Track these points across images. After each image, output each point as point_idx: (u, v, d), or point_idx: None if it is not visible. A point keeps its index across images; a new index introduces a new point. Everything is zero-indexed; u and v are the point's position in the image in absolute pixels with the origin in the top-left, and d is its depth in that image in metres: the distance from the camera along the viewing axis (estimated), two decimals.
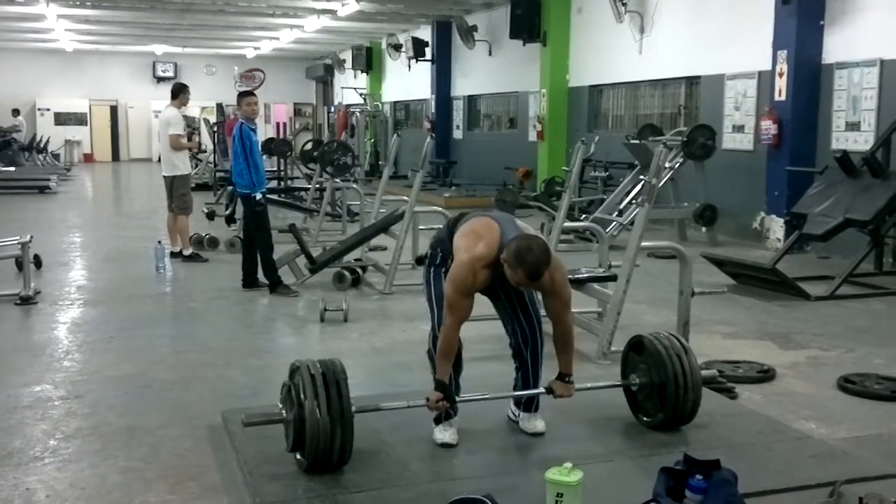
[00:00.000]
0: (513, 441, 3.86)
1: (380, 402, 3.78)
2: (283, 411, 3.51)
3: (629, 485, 3.37)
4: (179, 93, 9.26)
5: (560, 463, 3.16)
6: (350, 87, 24.60)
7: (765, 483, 3.37)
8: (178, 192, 9.08)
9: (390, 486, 3.38)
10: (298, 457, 3.47)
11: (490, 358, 5.04)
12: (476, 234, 3.57)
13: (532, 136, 15.64)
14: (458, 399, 3.67)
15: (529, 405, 3.91)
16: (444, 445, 3.72)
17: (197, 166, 19.91)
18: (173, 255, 9.09)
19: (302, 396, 3.35)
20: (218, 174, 16.40)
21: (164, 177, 9.21)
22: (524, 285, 3.46)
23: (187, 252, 9.09)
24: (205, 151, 18.07)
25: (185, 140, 9.28)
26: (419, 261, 3.93)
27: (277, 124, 27.73)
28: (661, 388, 3.85)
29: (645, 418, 3.98)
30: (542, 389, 3.78)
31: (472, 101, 19.16)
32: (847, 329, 6.28)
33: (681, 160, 10.32)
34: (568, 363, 3.74)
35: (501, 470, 3.61)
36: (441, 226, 4.26)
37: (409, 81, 21.65)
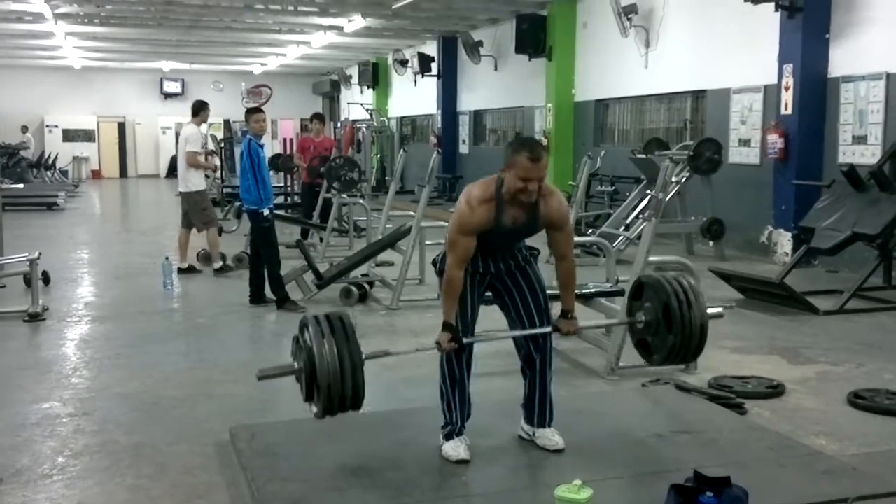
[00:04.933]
0: (522, 458, 3.84)
1: (389, 348, 3.90)
2: (295, 363, 3.53)
3: (639, 502, 3.35)
4: (200, 110, 9.34)
5: (570, 480, 3.15)
6: (356, 103, 24.69)
7: (776, 500, 3.36)
8: (197, 207, 9.19)
9: (399, 503, 3.36)
10: (313, 409, 3.49)
11: (497, 374, 5.04)
12: (472, 185, 3.74)
13: None
14: (465, 340, 3.65)
15: (543, 420, 3.87)
16: (460, 462, 3.69)
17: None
18: (181, 271, 9.12)
19: (310, 342, 3.39)
20: (225, 190, 16.48)
21: (181, 193, 9.31)
22: (530, 176, 3.48)
23: (217, 265, 9.18)
24: (215, 170, 18.12)
25: (202, 158, 9.32)
26: (435, 264, 3.93)
27: (284, 140, 27.82)
28: (666, 312, 3.81)
29: (657, 355, 3.93)
30: (548, 329, 3.78)
31: (478, 115, 19.20)
32: (856, 344, 6.25)
33: (687, 174, 10.31)
34: (571, 300, 3.85)
35: (511, 487, 3.59)
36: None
37: (415, 97, 21.72)
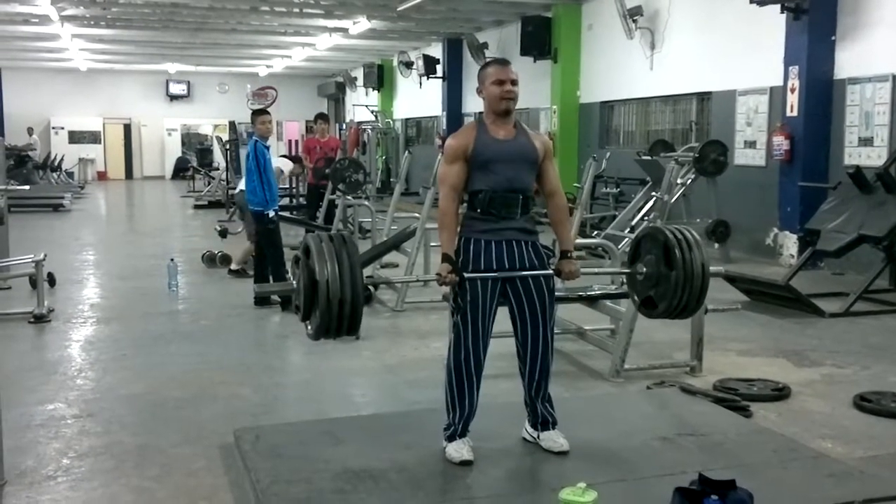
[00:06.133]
0: (527, 460, 3.83)
1: (393, 280, 3.87)
2: (294, 283, 3.53)
3: None
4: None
5: (574, 483, 3.15)
6: (362, 105, 24.71)
7: (781, 503, 3.34)
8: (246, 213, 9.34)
9: None
10: (309, 329, 3.49)
11: (502, 376, 5.02)
12: None
13: None
14: (467, 275, 3.60)
15: (546, 424, 3.86)
16: (463, 463, 3.67)
17: (209, 184, 20.07)
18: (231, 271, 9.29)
19: (311, 258, 3.36)
20: (231, 192, 16.49)
21: (241, 190, 9.48)
22: (503, 77, 3.70)
23: (234, 267, 9.22)
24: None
25: (284, 175, 9.54)
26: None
27: (290, 142, 27.80)
28: (666, 254, 3.80)
29: (662, 303, 3.87)
30: (550, 271, 3.76)
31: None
32: (862, 346, 6.23)
33: (692, 176, 10.30)
34: (568, 238, 3.87)
35: (515, 489, 3.59)
36: None
37: (420, 98, 21.73)
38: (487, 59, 3.84)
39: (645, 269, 3.94)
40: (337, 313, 3.32)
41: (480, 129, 3.73)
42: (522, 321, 3.75)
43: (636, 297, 4.06)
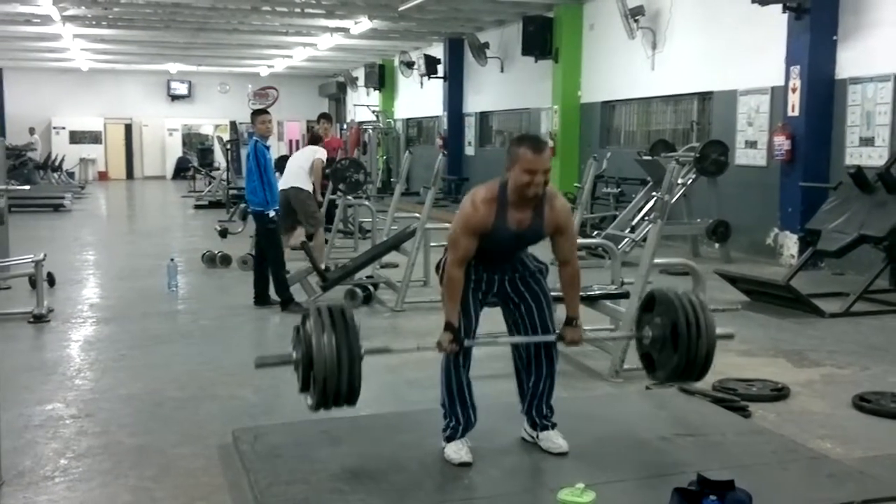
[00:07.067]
0: (525, 460, 3.83)
1: (390, 345, 3.89)
2: (294, 353, 3.53)
3: None
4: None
5: (573, 483, 3.14)
6: (363, 105, 24.71)
7: None
8: (306, 208, 9.58)
9: None
10: (308, 401, 3.49)
11: (501, 376, 5.01)
12: (478, 187, 3.71)
13: None
14: (467, 343, 3.62)
15: (546, 424, 3.87)
16: (462, 464, 3.67)
17: (210, 184, 20.07)
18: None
19: (309, 333, 3.38)
20: (231, 192, 16.51)
21: (292, 187, 9.58)
22: (535, 167, 3.44)
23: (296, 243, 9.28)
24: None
25: (320, 171, 9.88)
26: (438, 269, 3.91)
27: (290, 142, 27.81)
28: (674, 332, 3.76)
29: (660, 372, 3.89)
30: (552, 337, 3.75)
31: (484, 117, 19.20)
32: (862, 346, 6.22)
33: (693, 176, 10.29)
34: (576, 306, 3.80)
35: (513, 490, 3.58)
36: None
37: (421, 98, 21.73)
38: (522, 136, 3.67)
39: (651, 333, 3.90)
40: (333, 399, 3.39)
41: (500, 209, 3.57)
42: (521, 331, 3.77)
43: (639, 354, 4.06)
